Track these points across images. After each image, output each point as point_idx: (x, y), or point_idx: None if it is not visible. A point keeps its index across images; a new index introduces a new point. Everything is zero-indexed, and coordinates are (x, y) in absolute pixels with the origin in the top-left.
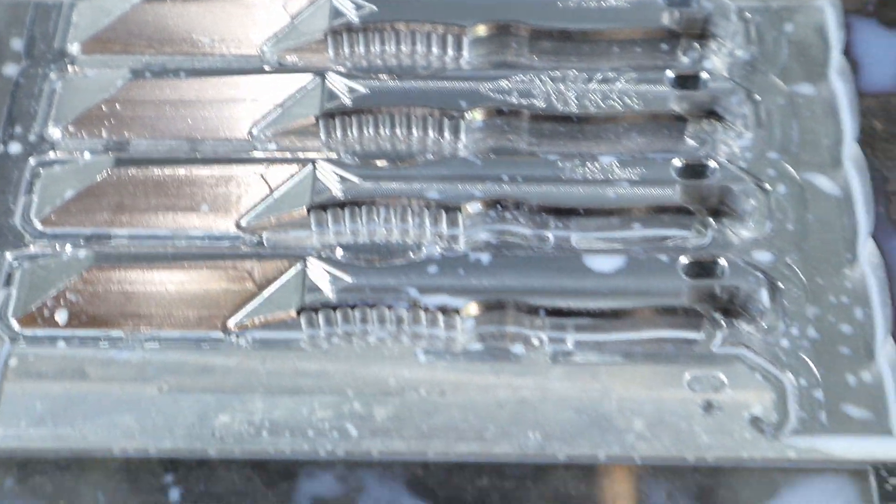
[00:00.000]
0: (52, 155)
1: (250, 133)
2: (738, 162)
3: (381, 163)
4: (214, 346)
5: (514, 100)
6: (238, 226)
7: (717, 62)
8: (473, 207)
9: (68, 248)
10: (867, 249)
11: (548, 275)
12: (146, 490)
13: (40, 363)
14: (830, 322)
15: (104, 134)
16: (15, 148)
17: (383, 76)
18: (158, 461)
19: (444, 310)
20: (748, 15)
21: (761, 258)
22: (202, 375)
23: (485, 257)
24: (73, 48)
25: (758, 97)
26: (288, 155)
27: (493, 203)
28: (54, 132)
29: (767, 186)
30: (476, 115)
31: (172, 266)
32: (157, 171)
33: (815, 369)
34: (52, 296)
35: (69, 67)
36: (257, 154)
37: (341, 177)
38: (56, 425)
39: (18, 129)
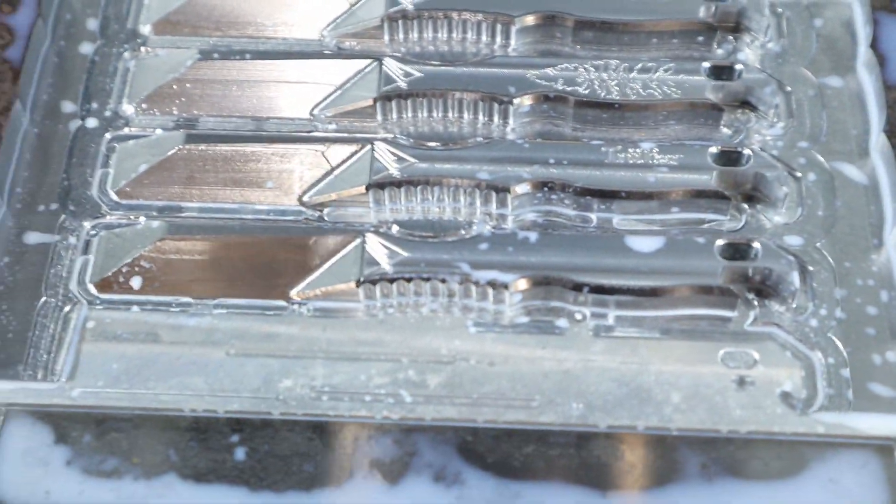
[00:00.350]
0: (126, 130)
1: (312, 113)
2: (770, 150)
3: (434, 144)
4: (278, 314)
5: (559, 86)
6: (300, 201)
7: (750, 54)
8: (522, 188)
9: (142, 218)
10: (893, 236)
11: (591, 253)
12: (214, 448)
13: (116, 326)
14: (857, 304)
15: (175, 111)
16: (92, 123)
17: (436, 62)
18: (226, 421)
19: (494, 284)
20: (780, 10)
21: (792, 242)
22: (266, 341)
23: (532, 236)
24: (145, 29)
25: (789, 88)
26: (347, 135)
27: (541, 185)
28: (128, 108)
29: (798, 174)
30: (524, 101)
31: (239, 238)
32: (224, 148)
33: (842, 348)
34: (127, 263)
35: (141, 48)
36: (318, 133)
37: (398, 157)
38: (131, 385)
39: (95, 105)
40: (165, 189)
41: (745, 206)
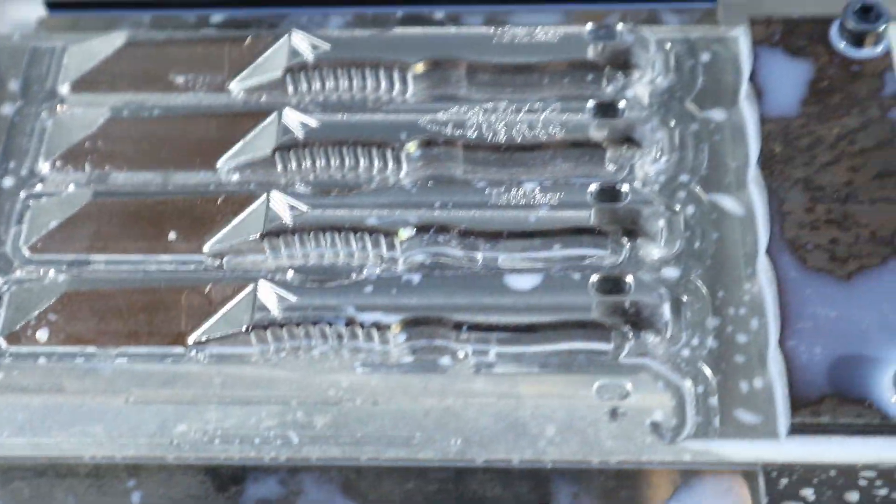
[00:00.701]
0: (40, 188)
1: (215, 166)
2: (652, 185)
3: (331, 192)
4: (176, 361)
5: (448, 130)
6: (202, 251)
7: (639, 90)
8: (408, 232)
9: (51, 272)
10: (763, 265)
11: (472, 293)
12: (112, 493)
13: (23, 377)
14: (728, 332)
15: (87, 168)
16: (8, 182)
17: (335, 111)
18: (123, 467)
19: (378, 326)
20: (668, 45)
21: (669, 274)
22: (164, 387)
23: (416, 277)
24: (64, 88)
25: (672, 123)
26: (250, 186)
27: (426, 228)
28: (43, 167)
29: (676, 207)
30: (413, 147)
31: (142, 288)
32: (130, 202)
33: (711, 377)
34: (34, 316)
35: (59, 106)
36: (221, 185)
37: (291, 206)
38: (35, 434)
39: (12, 165)
40: (74, 243)
41: (625, 240)
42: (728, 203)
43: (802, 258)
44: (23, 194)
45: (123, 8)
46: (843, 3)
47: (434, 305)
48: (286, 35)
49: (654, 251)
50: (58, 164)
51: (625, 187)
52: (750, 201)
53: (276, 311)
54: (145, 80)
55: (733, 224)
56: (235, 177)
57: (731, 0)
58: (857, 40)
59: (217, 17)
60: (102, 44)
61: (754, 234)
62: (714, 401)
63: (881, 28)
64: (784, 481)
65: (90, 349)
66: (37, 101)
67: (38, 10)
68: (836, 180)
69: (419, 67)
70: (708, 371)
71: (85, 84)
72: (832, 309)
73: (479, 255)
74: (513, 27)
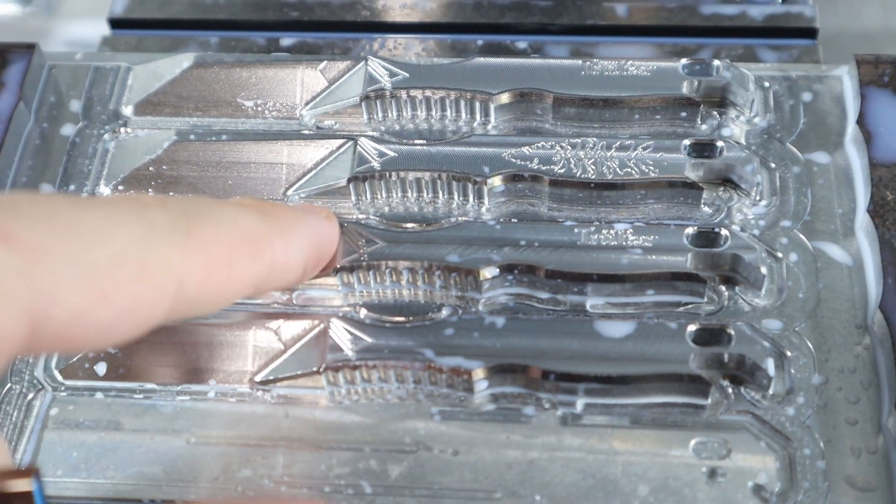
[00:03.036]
0: None
1: (285, 194)
2: (752, 229)
3: (409, 225)
4: (241, 400)
5: (534, 166)
6: None
7: (735, 129)
8: (491, 272)
9: None
10: (876, 321)
11: (559, 339)
12: None
13: (79, 413)
14: (836, 392)
15: (150, 193)
16: None
17: (414, 140)
18: None
19: (458, 371)
20: (766, 84)
21: (771, 326)
22: (228, 429)
23: (499, 321)
24: (127, 110)
25: (773, 165)
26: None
27: (510, 268)
28: (105, 190)
29: (779, 254)
30: (498, 181)
31: (206, 322)
32: None
33: (819, 439)
34: None
35: (122, 129)
36: None
37: (367, 238)
38: (90, 474)
39: (73, 188)
40: None
41: (724, 288)
42: (834, 251)
43: None
44: None
45: (190, 29)
46: None
47: (519, 351)
48: (363, 61)
49: (754, 300)
50: (120, 188)
51: (724, 231)
52: (858, 250)
53: (349, 351)
54: (213, 103)
55: (840, 274)
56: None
57: (830, 38)
58: None
59: (287, 40)
60: (169, 65)
61: (863, 286)
62: (822, 465)
63: None
64: None
65: (150, 385)
66: (99, 122)
67: (102, 29)
68: None
69: (503, 98)
70: (815, 433)
71: (149, 106)
72: None
73: (566, 299)
74: (601, 60)
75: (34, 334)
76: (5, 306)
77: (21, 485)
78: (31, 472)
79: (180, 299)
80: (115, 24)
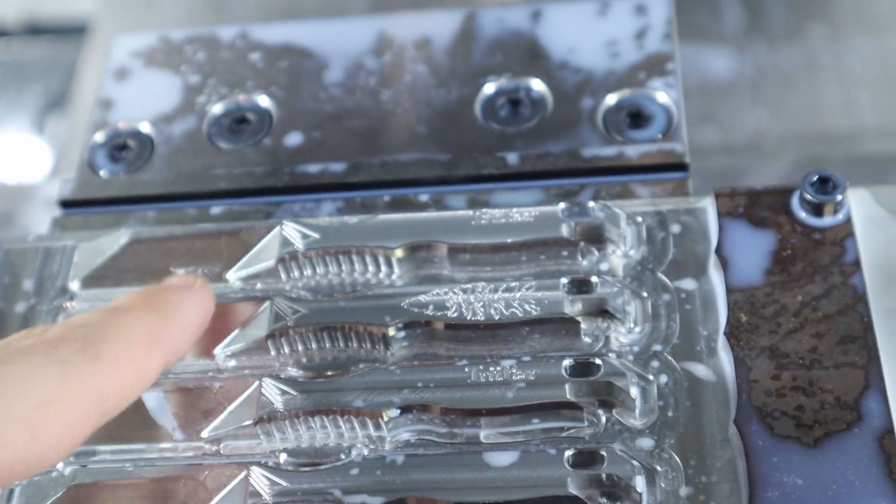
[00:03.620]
0: None
1: (213, 354)
2: (627, 356)
3: (325, 374)
4: None
5: (429, 312)
6: (199, 437)
7: (613, 263)
8: (392, 413)
9: (60, 464)
10: (732, 433)
11: (452, 471)
12: None
13: None
14: (701, 501)
15: None
16: None
17: (325, 295)
18: None
19: None
20: (639, 218)
21: (644, 444)
22: None
23: (399, 458)
24: (74, 285)
25: (645, 294)
26: (246, 372)
27: (409, 408)
28: None
29: (650, 377)
30: (398, 328)
31: (143, 479)
32: None
33: None
34: None
35: (69, 303)
36: (219, 372)
37: (282, 390)
38: None
39: None
40: None
41: (601, 413)
42: (701, 371)
43: (769, 426)
44: None
45: (130, 203)
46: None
47: (417, 485)
48: (278, 226)
49: (630, 421)
50: None
51: (598, 361)
52: (721, 369)
53: (267, 495)
54: (149, 274)
55: (706, 392)
56: (232, 363)
57: (705, 170)
58: (817, 210)
59: (217, 208)
60: (109, 241)
61: (726, 402)
62: None
63: (838, 198)
64: None
65: None
66: (48, 298)
67: (53, 210)
68: (801, 347)
69: (400, 252)
70: None
71: (93, 280)
72: (799, 477)
73: (462, 432)
74: (489, 210)
75: None
76: None
77: None
78: None
79: (103, 411)
80: (65, 204)
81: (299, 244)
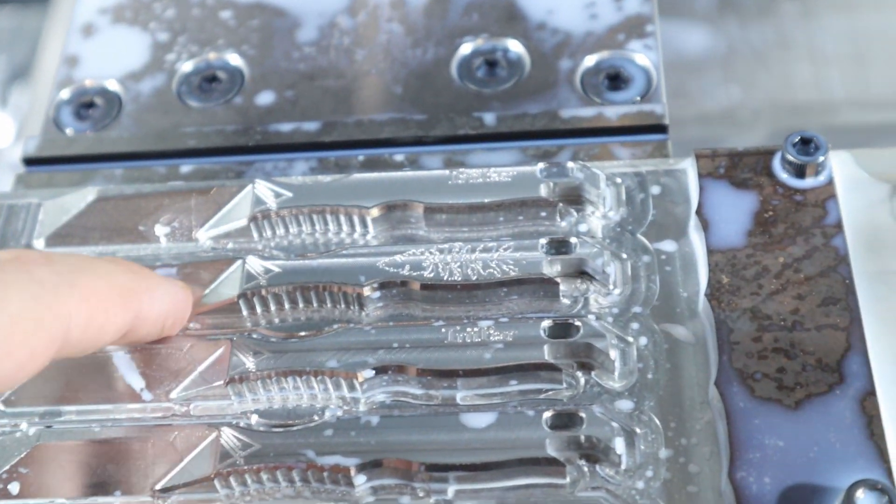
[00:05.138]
0: None
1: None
2: (606, 317)
3: (302, 334)
4: None
5: (405, 272)
6: (169, 399)
7: (591, 224)
8: (367, 374)
9: (24, 425)
10: (713, 396)
11: (429, 432)
12: None
13: None
14: (682, 463)
15: None
16: None
17: (297, 255)
18: None
19: (338, 468)
20: (619, 180)
21: (624, 406)
22: None
23: (374, 419)
24: (38, 243)
25: (625, 255)
26: (217, 332)
27: (384, 369)
28: None
29: (630, 339)
30: (372, 289)
31: (110, 439)
32: (100, 355)
33: None
34: (5, 469)
35: None
36: (188, 331)
37: (254, 350)
38: None
39: None
40: (46, 395)
41: (580, 374)
42: (681, 333)
43: (750, 388)
44: None
45: (96, 161)
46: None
47: (392, 446)
48: (250, 184)
49: (609, 383)
50: None
51: (577, 322)
52: (702, 331)
53: (238, 456)
54: (116, 231)
55: (686, 354)
56: (202, 323)
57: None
58: (799, 171)
59: (186, 167)
60: (75, 199)
61: (706, 364)
62: None
63: (820, 159)
64: None
65: (60, 501)
66: None
67: (17, 168)
68: (783, 309)
69: (376, 211)
70: (661, 502)
71: (59, 238)
72: (780, 438)
73: (438, 394)
74: (466, 170)
75: None
76: None
77: None
78: None
79: (66, 343)
80: (29, 161)
81: (272, 203)
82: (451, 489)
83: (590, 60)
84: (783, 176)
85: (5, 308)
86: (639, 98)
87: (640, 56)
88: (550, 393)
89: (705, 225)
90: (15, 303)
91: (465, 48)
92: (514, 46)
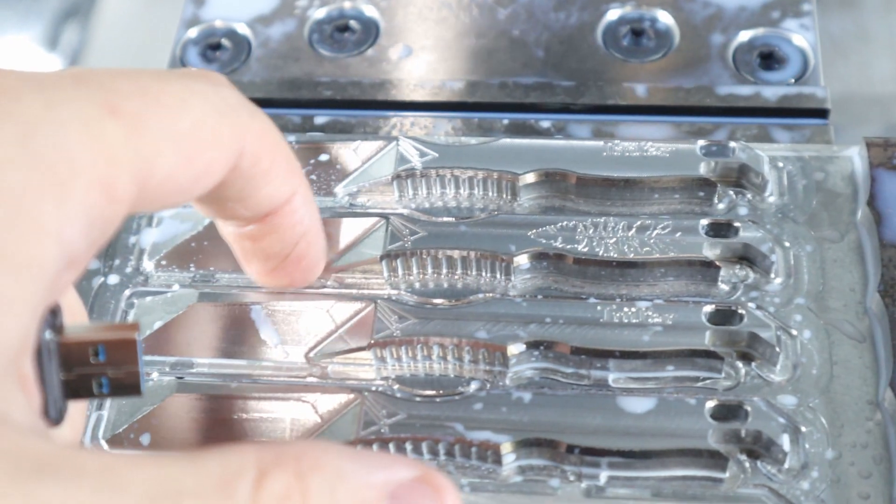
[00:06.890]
0: (145, 287)
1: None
2: (767, 307)
3: (437, 301)
4: None
5: (558, 244)
6: (306, 358)
7: (751, 208)
8: (517, 348)
9: (155, 375)
10: (886, 397)
11: (584, 414)
12: None
13: None
14: (849, 465)
15: (192, 268)
16: (113, 279)
17: (442, 218)
18: None
19: (487, 444)
20: (780, 164)
21: (786, 401)
22: None
23: (526, 395)
24: None
25: (787, 244)
26: (354, 292)
27: (536, 344)
28: (148, 265)
29: (794, 332)
30: (523, 259)
31: (245, 396)
32: (236, 306)
33: None
34: (137, 419)
35: None
36: (326, 290)
37: (399, 315)
38: None
39: (117, 262)
40: (179, 345)
41: (740, 364)
42: (847, 328)
43: None
44: (127, 292)
45: None
46: None
47: (545, 426)
48: (394, 141)
49: (770, 376)
50: (163, 262)
51: (740, 309)
52: (870, 328)
53: (383, 424)
54: None
55: (852, 351)
56: (343, 281)
57: (842, 120)
58: None
59: (321, 118)
60: None
61: (874, 363)
62: None
63: None
64: None
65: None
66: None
67: None
68: None
69: (528, 178)
70: None
71: None
72: None
73: (589, 374)
74: (622, 141)
75: (138, 196)
76: (120, 172)
77: (125, 334)
78: (134, 326)
79: (237, 170)
80: None
81: (416, 162)
82: (604, 475)
83: (743, 37)
84: None
85: (189, 113)
86: (792, 80)
87: (797, 36)
88: (708, 381)
89: (878, 218)
90: (198, 111)
91: (612, 14)
92: (664, 17)
